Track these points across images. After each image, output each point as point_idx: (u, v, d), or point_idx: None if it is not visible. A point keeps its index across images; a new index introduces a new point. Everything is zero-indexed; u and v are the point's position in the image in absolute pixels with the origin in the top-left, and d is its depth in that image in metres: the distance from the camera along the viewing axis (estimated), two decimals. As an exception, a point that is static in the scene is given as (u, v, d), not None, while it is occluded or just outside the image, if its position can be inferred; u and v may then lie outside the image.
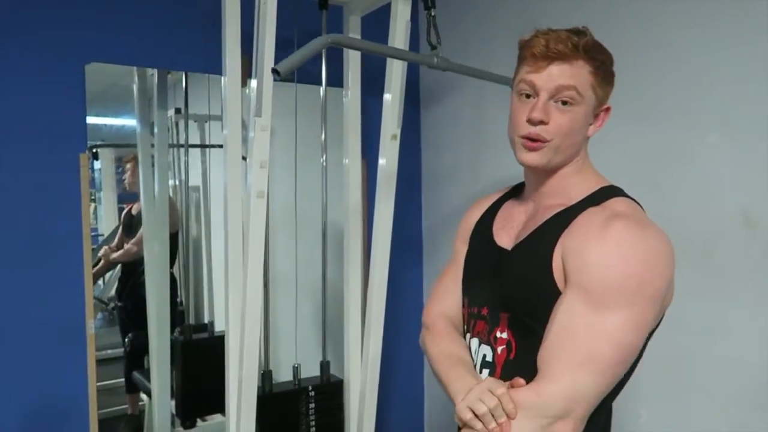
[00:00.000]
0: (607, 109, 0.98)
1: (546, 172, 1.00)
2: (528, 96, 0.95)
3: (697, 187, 1.54)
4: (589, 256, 0.87)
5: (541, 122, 0.93)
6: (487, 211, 1.15)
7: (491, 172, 2.11)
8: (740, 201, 1.45)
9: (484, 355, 1.03)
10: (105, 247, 2.16)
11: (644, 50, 1.65)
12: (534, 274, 0.95)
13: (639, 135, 1.67)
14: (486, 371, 1.02)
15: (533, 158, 0.96)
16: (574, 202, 0.97)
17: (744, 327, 1.45)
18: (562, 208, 0.97)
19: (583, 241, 0.89)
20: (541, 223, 0.98)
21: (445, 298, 1.18)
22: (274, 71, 1.10)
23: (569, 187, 0.98)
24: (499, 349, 1.00)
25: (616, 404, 1.04)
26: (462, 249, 1.16)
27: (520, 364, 0.96)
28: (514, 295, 0.99)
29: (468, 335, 1.09)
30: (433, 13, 1.41)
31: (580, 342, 0.82)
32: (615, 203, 0.94)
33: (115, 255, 2.16)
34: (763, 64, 1.40)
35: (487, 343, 1.02)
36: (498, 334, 1.00)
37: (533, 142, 0.95)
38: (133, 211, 2.15)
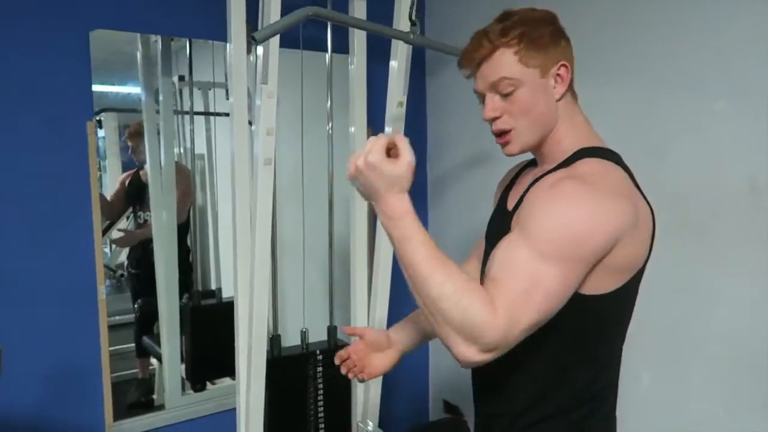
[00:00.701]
0: (564, 66, 0.98)
1: (536, 147, 1.04)
2: (482, 102, 1.01)
3: (704, 155, 1.54)
4: (532, 206, 0.92)
5: (494, 118, 0.99)
6: (513, 177, 1.18)
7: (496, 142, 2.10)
8: (746, 168, 1.45)
9: None
10: (117, 230, 2.20)
11: (650, 17, 1.63)
12: (502, 234, 0.99)
13: (645, 102, 1.66)
14: None
15: (509, 149, 1.02)
16: (554, 165, 1.00)
17: (748, 294, 1.47)
18: (544, 172, 1.01)
19: (532, 195, 0.96)
20: (527, 186, 1.03)
21: (465, 262, 1.25)
22: (252, 38, 1.13)
23: (562, 151, 1.01)
24: None
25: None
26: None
27: None
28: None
29: None
30: None
31: (519, 279, 0.85)
32: (582, 164, 0.95)
33: (139, 231, 2.19)
34: (772, 29, 1.38)
35: None
36: None
37: (501, 137, 1.01)
38: (143, 179, 2.16)
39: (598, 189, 0.89)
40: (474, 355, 0.83)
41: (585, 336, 0.97)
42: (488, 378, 1.08)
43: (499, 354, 0.84)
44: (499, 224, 1.08)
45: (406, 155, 0.90)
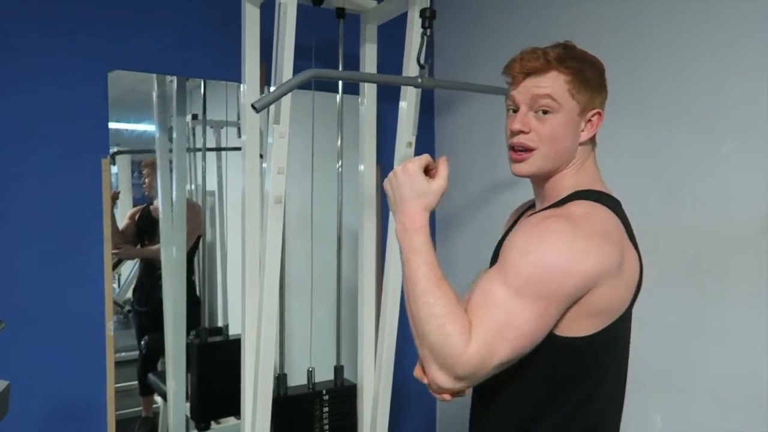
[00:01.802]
0: (599, 114, 1.01)
1: (542, 179, 1.04)
2: (514, 111, 1.02)
3: (713, 195, 1.55)
4: (514, 241, 0.93)
5: (521, 131, 0.99)
6: (518, 216, 1.20)
7: (505, 179, 2.12)
8: (757, 208, 1.45)
9: None
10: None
11: (659, 58, 1.66)
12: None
13: (655, 143, 1.68)
14: None
15: (520, 168, 1.02)
16: (548, 204, 1.01)
17: (759, 334, 1.46)
18: (537, 210, 1.04)
19: (516, 229, 0.99)
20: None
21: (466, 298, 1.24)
22: (252, 107, 1.17)
23: (559, 191, 1.02)
24: None
25: (628, 410, 1.05)
26: None
27: None
28: None
29: None
30: (428, 33, 1.41)
31: (493, 315, 0.86)
32: (573, 205, 0.96)
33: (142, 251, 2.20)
34: (778, 74, 1.41)
35: None
36: None
37: (519, 153, 1.01)
38: (154, 215, 2.18)
39: (583, 230, 0.89)
40: (444, 381, 0.87)
41: (558, 377, 0.97)
42: (474, 409, 1.11)
43: (468, 385, 0.88)
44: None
45: (442, 179, 0.96)
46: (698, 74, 1.57)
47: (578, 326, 0.92)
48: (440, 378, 0.87)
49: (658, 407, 1.65)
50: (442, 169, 0.98)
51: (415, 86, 1.38)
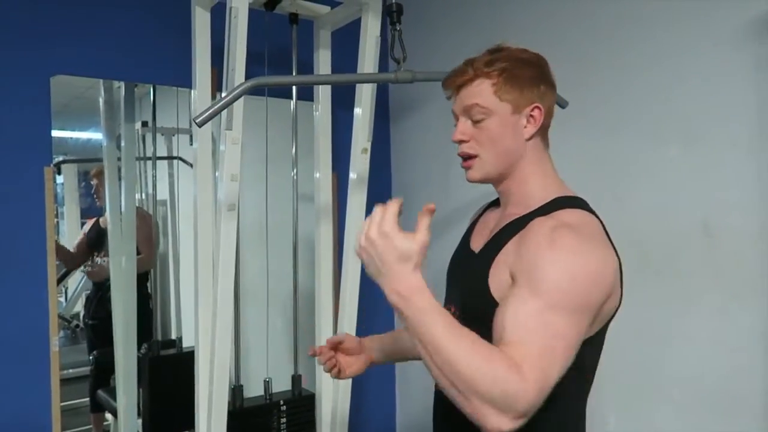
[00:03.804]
0: (536, 108, 1.02)
1: (498, 181, 1.06)
2: (455, 125, 1.06)
3: (659, 198, 1.59)
4: (540, 259, 0.89)
5: (461, 141, 1.04)
6: (477, 217, 1.20)
7: (461, 183, 2.13)
8: (700, 212, 1.50)
9: None
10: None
11: (606, 65, 1.71)
12: (474, 278, 1.00)
13: (600, 148, 1.72)
14: None
15: (470, 175, 1.05)
16: (528, 211, 1.01)
17: (706, 334, 1.50)
18: (516, 216, 1.02)
19: (534, 247, 0.92)
20: (499, 230, 1.03)
21: None
22: (194, 121, 1.16)
23: (529, 195, 1.03)
24: None
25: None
26: None
27: None
28: (462, 295, 1.07)
29: None
30: (398, 28, 1.44)
31: (538, 336, 0.83)
32: (564, 214, 0.97)
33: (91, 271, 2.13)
34: (722, 77, 1.46)
35: None
36: None
37: (465, 160, 1.05)
38: (102, 225, 2.11)
39: (592, 239, 0.92)
40: (506, 424, 0.79)
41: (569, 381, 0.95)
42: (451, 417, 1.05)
43: (530, 416, 0.81)
44: (465, 265, 1.09)
45: (423, 234, 0.85)
46: (643, 80, 1.62)
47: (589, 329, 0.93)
48: (501, 422, 0.79)
49: (611, 408, 1.69)
50: (423, 221, 0.87)
51: (392, 81, 1.39)
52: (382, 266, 0.84)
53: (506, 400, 0.79)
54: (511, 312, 0.87)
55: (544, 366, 0.81)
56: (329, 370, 1.27)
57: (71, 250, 2.07)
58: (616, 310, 1.00)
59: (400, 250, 0.83)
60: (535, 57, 1.04)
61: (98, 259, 2.13)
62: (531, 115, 1.01)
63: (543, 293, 0.85)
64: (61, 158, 1.95)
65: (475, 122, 1.02)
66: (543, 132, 1.04)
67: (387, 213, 0.85)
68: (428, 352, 0.82)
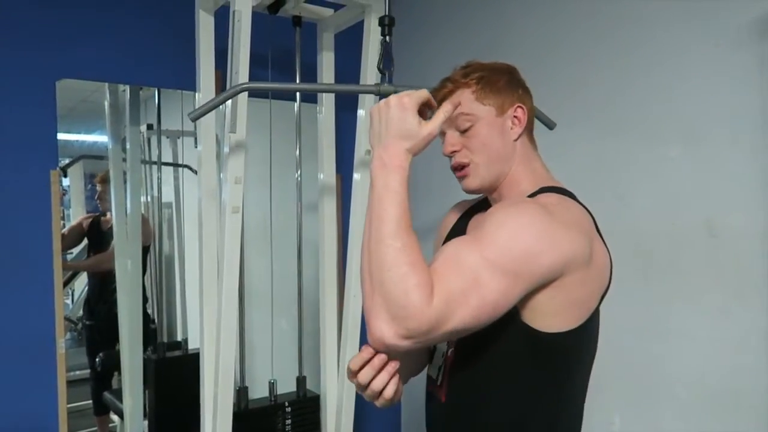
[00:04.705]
0: (519, 108, 1.03)
1: (492, 190, 1.06)
2: (443, 140, 1.05)
3: (661, 199, 1.59)
4: (491, 218, 0.91)
5: (453, 152, 1.03)
6: (464, 213, 1.20)
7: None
8: (702, 211, 1.50)
9: (443, 352, 1.06)
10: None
11: (607, 66, 1.71)
12: None
13: (603, 150, 1.72)
14: (440, 368, 1.05)
15: (467, 183, 1.05)
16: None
17: (708, 333, 1.50)
18: None
19: (498, 207, 0.94)
20: None
21: None
22: (188, 116, 1.21)
23: (517, 193, 1.04)
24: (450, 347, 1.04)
25: (589, 411, 1.06)
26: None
27: (457, 361, 1.01)
28: None
29: None
30: (387, 40, 1.43)
31: (461, 278, 0.82)
32: (543, 197, 0.98)
33: (84, 262, 2.12)
34: (724, 77, 1.46)
35: None
36: None
37: (460, 170, 1.04)
38: (103, 226, 2.12)
39: (557, 217, 0.91)
40: (391, 336, 0.80)
41: (545, 373, 0.96)
42: (453, 416, 1.04)
43: (412, 346, 0.81)
44: None
45: (434, 125, 0.90)
46: (645, 80, 1.62)
47: (562, 319, 0.92)
48: (386, 331, 0.79)
49: (616, 407, 1.68)
50: (439, 114, 0.93)
51: (375, 93, 1.39)
52: (384, 132, 0.90)
53: (401, 311, 0.79)
54: (450, 248, 0.87)
55: (452, 304, 0.80)
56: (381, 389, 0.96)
57: (63, 231, 2.04)
58: (599, 304, 0.98)
59: (407, 127, 0.89)
60: (507, 66, 1.07)
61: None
62: (515, 116, 1.03)
63: (485, 246, 0.85)
64: (67, 160, 1.96)
65: (463, 132, 1.02)
66: (528, 132, 1.06)
67: (416, 93, 0.91)
68: (370, 226, 0.86)
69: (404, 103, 0.89)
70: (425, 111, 0.95)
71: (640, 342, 1.63)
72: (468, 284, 0.82)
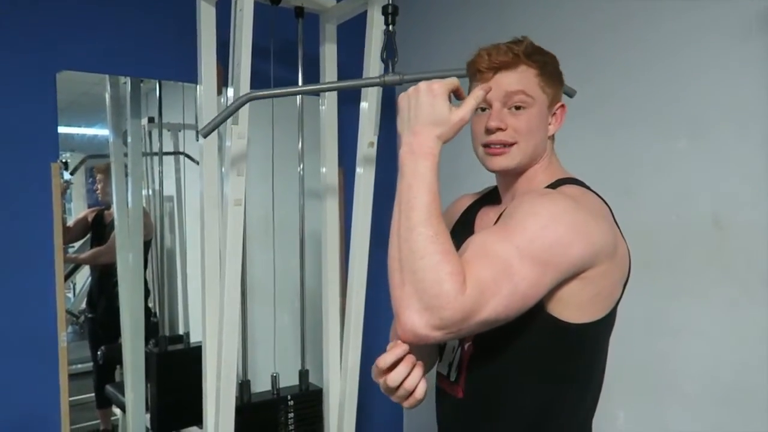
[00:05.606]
0: (562, 107, 1.02)
1: (516, 175, 1.03)
2: (483, 109, 0.99)
3: (669, 193, 1.58)
4: (520, 208, 0.89)
5: (499, 129, 0.96)
6: (470, 206, 1.18)
7: (468, 176, 2.12)
8: (710, 205, 1.49)
9: (454, 347, 1.04)
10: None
11: (613, 59, 1.69)
12: None
13: (611, 143, 1.71)
14: (453, 363, 1.03)
15: (501, 162, 0.99)
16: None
17: (716, 328, 1.49)
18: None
19: (526, 197, 0.92)
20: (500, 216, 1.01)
21: None
22: (199, 133, 1.22)
23: (536, 185, 1.02)
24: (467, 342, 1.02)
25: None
26: None
27: (477, 356, 0.98)
28: None
29: None
30: (392, 30, 1.41)
31: (493, 267, 0.81)
32: (564, 188, 0.96)
33: (83, 255, 2.12)
34: (731, 69, 1.44)
35: None
36: None
37: (498, 147, 0.98)
38: (106, 220, 2.11)
39: (583, 208, 0.90)
40: (422, 327, 0.77)
41: (571, 363, 0.96)
42: (471, 409, 1.03)
43: (444, 337, 0.79)
44: None
45: (466, 111, 0.88)
46: (651, 73, 1.60)
47: (590, 311, 0.91)
48: (419, 322, 0.77)
49: (620, 403, 1.68)
50: (470, 100, 0.90)
51: (380, 85, 1.38)
52: (413, 118, 0.88)
53: (434, 300, 0.77)
54: (479, 239, 0.86)
55: (485, 293, 0.78)
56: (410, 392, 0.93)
57: (69, 224, 2.05)
58: (620, 298, 0.97)
59: (437, 113, 0.86)
60: (556, 57, 1.03)
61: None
62: (555, 114, 1.01)
63: (516, 235, 0.83)
64: (68, 155, 1.95)
65: (516, 109, 0.96)
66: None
67: (447, 80, 0.88)
68: (400, 214, 0.83)
69: (434, 89, 0.87)
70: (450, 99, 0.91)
71: (646, 337, 1.62)
72: (499, 273, 0.80)
